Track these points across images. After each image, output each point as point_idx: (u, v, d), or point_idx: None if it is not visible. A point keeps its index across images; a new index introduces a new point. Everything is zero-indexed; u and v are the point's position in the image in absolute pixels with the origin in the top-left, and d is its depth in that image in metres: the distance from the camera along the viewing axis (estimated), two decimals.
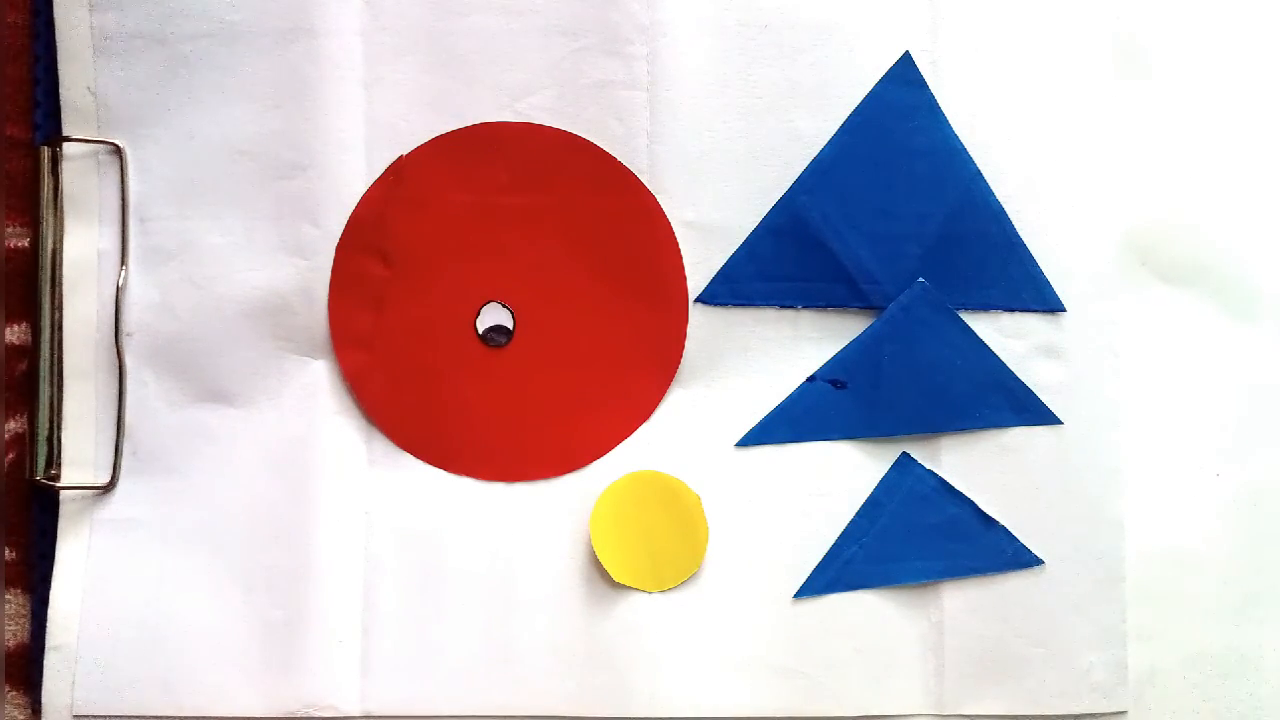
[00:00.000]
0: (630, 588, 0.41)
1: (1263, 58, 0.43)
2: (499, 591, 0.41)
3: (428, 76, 0.41)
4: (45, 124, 0.42)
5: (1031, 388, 0.42)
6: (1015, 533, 0.42)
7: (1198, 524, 0.42)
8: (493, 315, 0.42)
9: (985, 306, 0.42)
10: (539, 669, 0.41)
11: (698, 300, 0.42)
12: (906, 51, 0.41)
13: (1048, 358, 0.42)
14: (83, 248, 0.42)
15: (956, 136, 0.41)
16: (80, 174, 0.42)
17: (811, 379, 0.42)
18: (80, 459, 0.42)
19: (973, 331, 0.42)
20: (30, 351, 0.42)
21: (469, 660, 0.41)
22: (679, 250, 0.42)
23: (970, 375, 0.42)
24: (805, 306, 0.42)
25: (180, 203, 0.42)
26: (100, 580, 0.41)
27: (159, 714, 0.41)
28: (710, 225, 0.42)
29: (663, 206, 0.42)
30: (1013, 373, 0.42)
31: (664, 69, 0.41)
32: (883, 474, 0.42)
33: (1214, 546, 0.42)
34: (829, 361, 0.42)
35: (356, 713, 0.41)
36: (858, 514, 0.42)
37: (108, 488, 0.41)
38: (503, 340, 0.42)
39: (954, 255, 0.42)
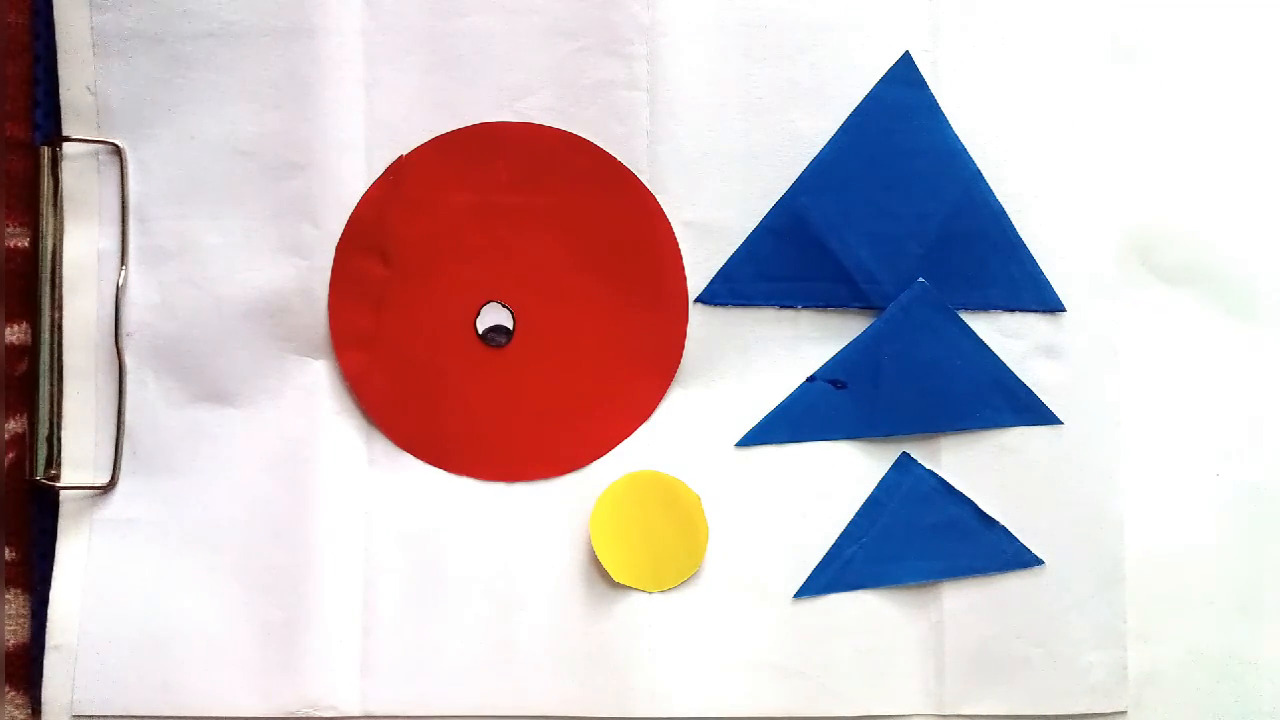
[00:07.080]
0: (630, 588, 0.41)
1: (1262, 58, 0.43)
2: (499, 591, 0.41)
3: (428, 76, 0.41)
4: (45, 124, 0.42)
5: (1031, 388, 0.42)
6: (1015, 533, 0.42)
7: (1198, 524, 0.42)
8: (493, 315, 0.42)
9: (985, 306, 0.42)
10: (539, 669, 0.41)
11: (698, 300, 0.42)
12: (906, 51, 0.41)
13: (1048, 358, 0.42)
14: (83, 248, 0.42)
15: (956, 136, 0.41)
16: (80, 174, 0.42)
17: (811, 379, 0.42)
18: (80, 459, 0.42)
19: (973, 331, 0.42)
20: (30, 351, 0.42)
21: (469, 660, 0.41)
22: (679, 250, 0.42)
23: (970, 375, 0.42)
24: (805, 306, 0.42)
25: (180, 203, 0.42)
26: (100, 580, 0.41)
27: (159, 714, 0.41)
28: (710, 225, 0.42)
29: (663, 206, 0.42)
30: (1013, 373, 0.42)
31: (664, 69, 0.41)
32: (883, 474, 0.42)
33: (1214, 546, 0.42)
34: (829, 361, 0.42)
35: (356, 713, 0.41)
36: (858, 514, 0.42)
37: (108, 488, 0.41)
38: (503, 340, 0.42)
39: (954, 255, 0.42)
